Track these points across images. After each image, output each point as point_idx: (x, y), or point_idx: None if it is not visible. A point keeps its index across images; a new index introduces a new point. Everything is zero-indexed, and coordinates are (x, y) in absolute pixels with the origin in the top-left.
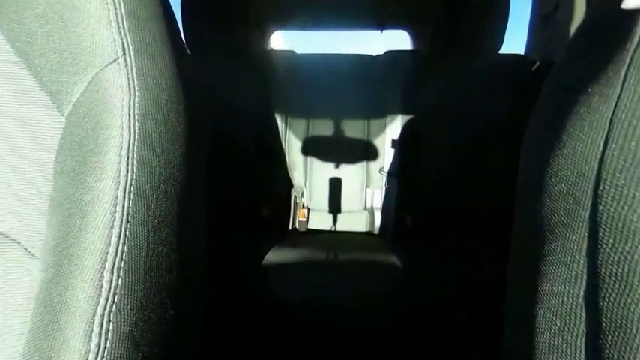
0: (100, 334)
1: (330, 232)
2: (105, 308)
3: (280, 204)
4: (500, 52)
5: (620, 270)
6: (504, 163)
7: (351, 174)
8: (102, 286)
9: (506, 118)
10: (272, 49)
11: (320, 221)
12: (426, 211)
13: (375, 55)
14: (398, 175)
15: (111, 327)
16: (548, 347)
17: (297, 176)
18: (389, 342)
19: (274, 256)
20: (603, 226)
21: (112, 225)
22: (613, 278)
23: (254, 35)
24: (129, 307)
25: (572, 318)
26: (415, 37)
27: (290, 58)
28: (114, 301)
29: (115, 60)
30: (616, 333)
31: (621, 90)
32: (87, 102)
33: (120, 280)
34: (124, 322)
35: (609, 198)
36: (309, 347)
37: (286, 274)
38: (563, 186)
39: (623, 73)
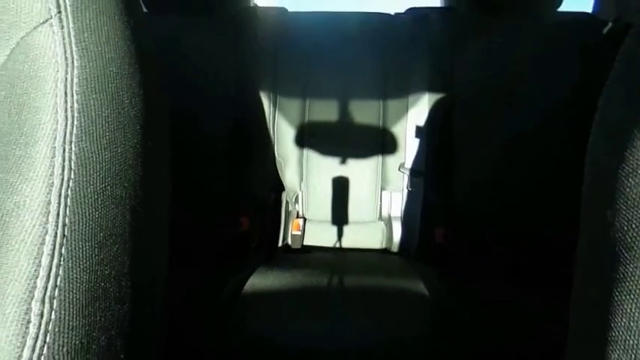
0: None
1: (333, 249)
2: (33, 351)
3: (266, 213)
4: (560, 10)
5: None
6: (570, 156)
7: (361, 172)
8: (29, 322)
9: (571, 97)
10: (255, 6)
11: (320, 235)
12: (463, 221)
13: (393, 13)
14: (425, 174)
15: None
16: None
17: (289, 175)
18: None
19: (257, 282)
20: None
21: (44, 240)
22: None
23: None
24: (65, 350)
25: None
26: None
27: (280, 18)
28: (45, 342)
29: (47, 20)
30: None
31: None
32: (10, 76)
33: (54, 313)
34: None
35: None
36: None
37: (273, 309)
38: None
39: None
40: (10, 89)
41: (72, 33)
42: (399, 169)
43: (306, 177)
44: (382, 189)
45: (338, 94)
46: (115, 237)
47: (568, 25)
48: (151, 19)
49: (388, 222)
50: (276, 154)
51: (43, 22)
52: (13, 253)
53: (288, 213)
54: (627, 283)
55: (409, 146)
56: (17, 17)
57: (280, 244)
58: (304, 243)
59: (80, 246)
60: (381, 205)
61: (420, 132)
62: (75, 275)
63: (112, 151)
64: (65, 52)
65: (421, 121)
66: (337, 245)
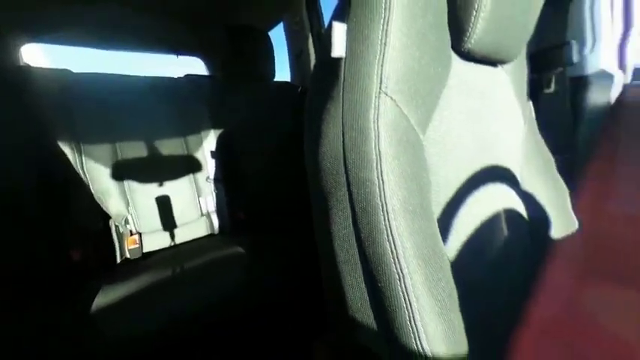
0: None
1: (170, 247)
2: None
3: (95, 239)
4: (276, 79)
5: (363, 205)
6: (299, 160)
7: (179, 188)
8: None
9: (292, 127)
10: (27, 65)
11: (157, 241)
12: (252, 206)
13: (176, 77)
14: (223, 181)
15: None
16: (342, 259)
17: (113, 204)
18: (247, 324)
19: (104, 298)
20: (352, 184)
21: None
22: (361, 211)
23: None
24: None
25: (349, 239)
26: (208, 64)
27: (64, 78)
28: None
29: None
30: (367, 240)
31: (342, 102)
32: None
33: None
34: None
35: (351, 167)
36: None
37: (126, 309)
38: (328, 164)
39: (341, 91)
40: None
41: None
42: (206, 180)
43: (132, 202)
44: (199, 196)
45: (144, 136)
46: None
47: (281, 88)
48: None
49: (208, 216)
50: (93, 192)
51: None
52: None
53: (120, 234)
54: (330, 211)
55: (209, 164)
56: None
57: (119, 260)
58: (144, 251)
59: None
60: (200, 206)
61: (213, 154)
62: None
63: None
64: None
65: (213, 147)
66: (173, 244)
